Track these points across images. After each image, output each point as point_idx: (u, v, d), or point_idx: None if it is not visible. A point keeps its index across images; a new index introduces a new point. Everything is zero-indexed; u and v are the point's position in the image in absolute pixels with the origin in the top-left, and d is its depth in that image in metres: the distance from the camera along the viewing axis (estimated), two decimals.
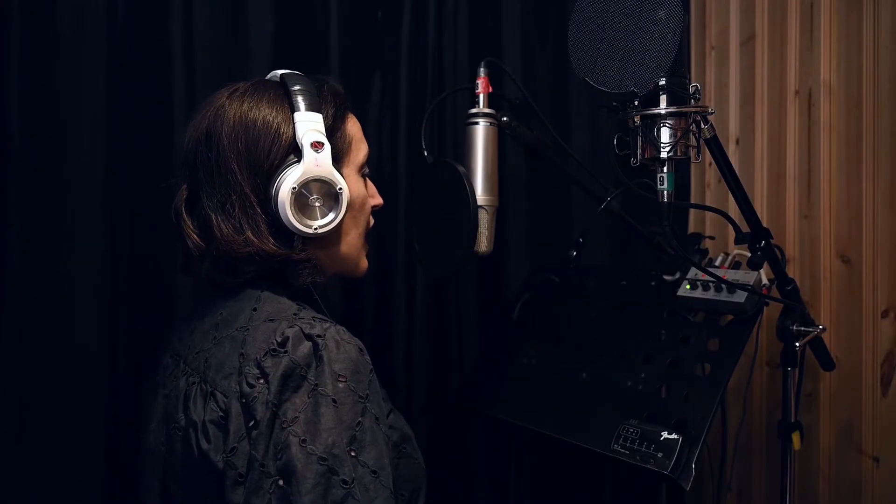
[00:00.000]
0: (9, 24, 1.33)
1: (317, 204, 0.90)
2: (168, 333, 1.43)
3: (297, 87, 0.92)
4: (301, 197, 0.89)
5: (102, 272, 1.39)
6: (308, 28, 1.55)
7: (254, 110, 0.91)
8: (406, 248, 1.59)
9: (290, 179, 0.88)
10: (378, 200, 1.05)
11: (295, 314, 0.86)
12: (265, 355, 0.81)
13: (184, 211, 0.92)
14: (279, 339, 0.82)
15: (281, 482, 0.76)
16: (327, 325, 0.84)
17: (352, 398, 0.80)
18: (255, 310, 0.88)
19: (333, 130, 0.94)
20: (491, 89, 1.19)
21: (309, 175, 0.88)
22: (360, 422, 0.80)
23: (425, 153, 1.25)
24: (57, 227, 1.37)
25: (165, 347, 1.01)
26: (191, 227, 0.91)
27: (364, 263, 1.03)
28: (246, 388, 0.80)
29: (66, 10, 1.37)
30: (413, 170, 1.58)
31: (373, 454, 0.80)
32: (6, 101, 1.33)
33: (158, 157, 1.43)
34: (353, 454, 0.78)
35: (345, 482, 0.76)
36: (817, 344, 1.20)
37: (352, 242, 0.99)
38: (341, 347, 0.82)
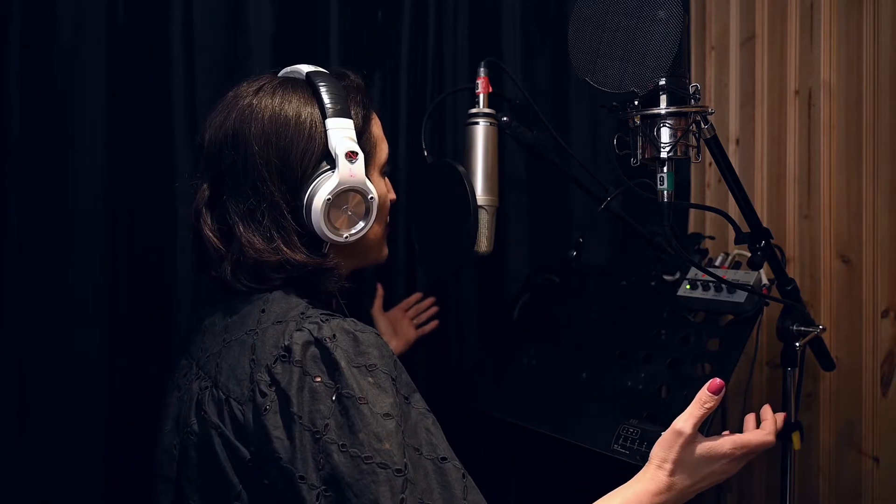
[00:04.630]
0: (9, 24, 1.33)
1: (348, 213, 0.90)
2: (167, 332, 1.43)
3: (325, 90, 0.91)
4: (333, 206, 0.88)
5: (102, 272, 1.39)
6: (308, 28, 1.55)
7: (284, 113, 0.89)
8: (406, 247, 1.59)
9: (324, 190, 0.87)
10: (393, 196, 1.05)
11: (302, 314, 0.84)
12: (275, 361, 0.80)
13: (204, 212, 0.91)
14: (286, 344, 0.80)
15: (329, 492, 0.75)
16: (336, 320, 0.82)
17: (388, 384, 0.79)
18: (263, 311, 0.87)
19: (361, 133, 0.93)
20: (491, 89, 1.19)
21: (344, 186, 0.87)
22: (397, 403, 0.79)
23: (425, 153, 1.25)
24: (57, 227, 1.37)
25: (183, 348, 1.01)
26: (211, 229, 0.90)
27: (385, 251, 1.05)
28: (259, 398, 0.79)
29: (66, 10, 1.37)
30: (413, 170, 1.58)
31: (415, 435, 0.79)
32: (6, 101, 1.33)
33: (159, 157, 1.43)
34: (400, 440, 0.77)
35: (399, 471, 0.75)
36: (817, 344, 1.20)
37: (373, 239, 1.00)
38: (360, 337, 0.81)
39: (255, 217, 0.87)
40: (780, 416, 1.02)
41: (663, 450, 0.93)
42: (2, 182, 1.34)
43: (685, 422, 0.93)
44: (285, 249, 0.87)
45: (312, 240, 0.90)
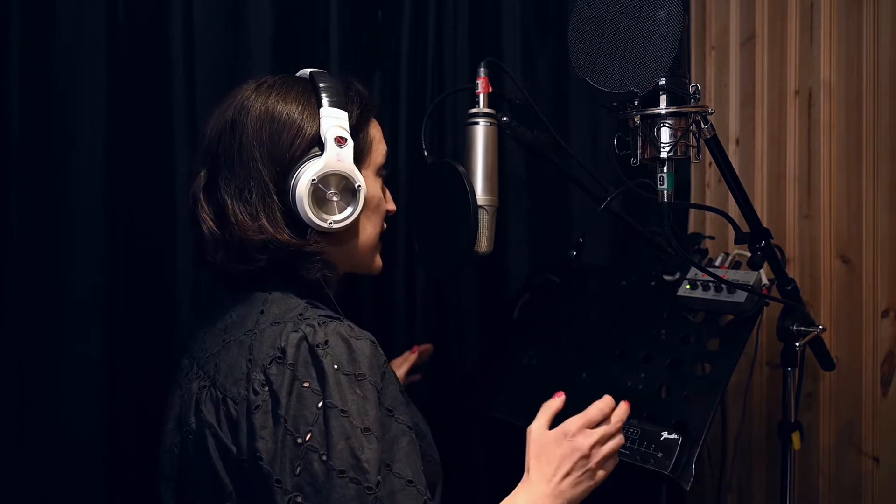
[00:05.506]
0: (9, 24, 1.33)
1: (334, 199, 0.90)
2: (167, 332, 1.42)
3: (324, 84, 0.93)
4: (319, 191, 0.89)
5: (102, 272, 1.39)
6: (308, 28, 1.55)
7: (280, 103, 0.91)
8: (406, 247, 1.59)
9: (309, 172, 0.88)
10: (392, 206, 1.05)
11: (300, 315, 0.85)
12: (271, 362, 0.81)
13: (202, 196, 0.92)
14: (282, 345, 0.81)
15: (300, 498, 0.76)
16: (333, 324, 0.83)
17: (373, 395, 0.80)
18: (261, 312, 0.87)
19: (357, 130, 0.95)
20: (491, 89, 1.19)
21: (329, 169, 0.89)
22: (379, 416, 0.79)
23: (425, 153, 1.25)
24: (57, 227, 1.37)
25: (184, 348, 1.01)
26: (207, 212, 0.91)
27: (378, 262, 1.04)
28: (252, 396, 0.80)
29: (66, 10, 1.37)
30: (413, 170, 1.58)
31: (391, 449, 0.80)
32: (6, 101, 1.33)
33: (159, 157, 1.43)
34: (377, 457, 0.77)
35: (369, 489, 0.76)
36: (817, 344, 1.20)
37: (365, 241, 1.00)
38: (354, 344, 0.81)
39: (244, 195, 0.89)
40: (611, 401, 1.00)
41: (526, 454, 0.95)
42: (2, 182, 1.34)
43: (532, 423, 0.96)
44: (269, 227, 0.88)
45: (299, 224, 0.91)
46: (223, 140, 0.92)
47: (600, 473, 0.94)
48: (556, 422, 0.97)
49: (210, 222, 0.91)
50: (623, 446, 1.07)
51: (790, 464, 1.17)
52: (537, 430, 0.95)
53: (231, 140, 0.91)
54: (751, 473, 1.55)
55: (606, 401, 0.98)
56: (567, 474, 0.91)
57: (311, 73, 0.97)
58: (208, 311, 0.97)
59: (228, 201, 0.89)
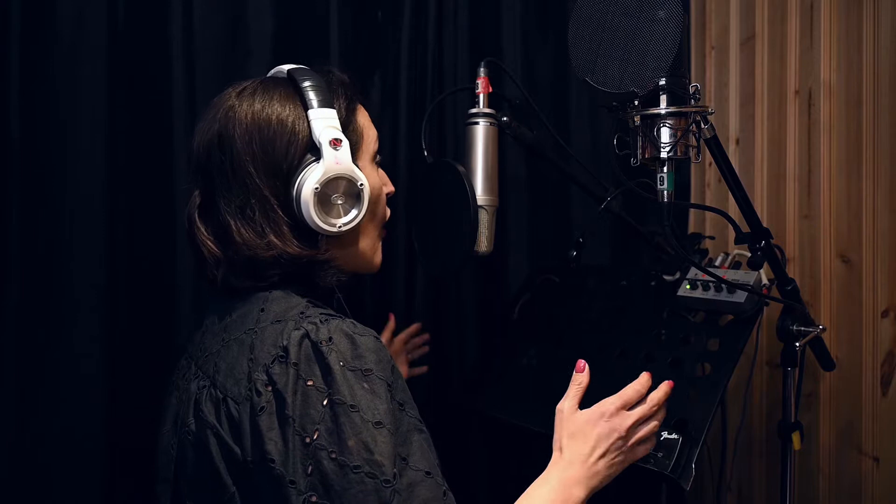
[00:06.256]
0: (9, 24, 1.33)
1: (339, 202, 0.89)
2: (167, 332, 1.42)
3: (307, 83, 0.91)
4: (323, 196, 0.87)
5: (102, 272, 1.39)
6: (308, 28, 1.55)
7: (266, 110, 0.89)
8: (406, 247, 1.59)
9: (311, 179, 0.87)
10: (390, 188, 1.03)
11: (302, 313, 0.84)
12: (273, 361, 0.80)
13: (197, 218, 0.91)
14: (284, 344, 0.80)
15: (315, 498, 0.75)
16: (335, 321, 0.82)
17: (383, 390, 0.79)
18: (262, 311, 0.86)
19: (347, 124, 0.93)
20: (491, 89, 1.19)
21: (330, 174, 0.87)
22: (391, 409, 0.78)
23: (425, 153, 1.25)
24: (57, 227, 1.37)
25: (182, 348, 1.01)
26: (205, 234, 0.89)
27: (378, 258, 1.02)
28: (255, 398, 0.79)
29: (66, 9, 1.37)
30: (413, 170, 1.58)
31: (406, 443, 0.79)
32: (6, 101, 1.33)
33: (158, 157, 1.43)
34: (391, 450, 0.76)
35: (387, 481, 0.75)
36: (817, 344, 1.20)
37: (369, 236, 0.99)
38: (358, 340, 0.80)
39: (246, 213, 0.87)
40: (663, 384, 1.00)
41: (555, 433, 0.96)
42: (2, 182, 1.34)
43: (562, 401, 0.97)
44: (277, 242, 0.87)
45: (307, 233, 0.89)
46: (213, 157, 0.89)
47: (631, 455, 0.95)
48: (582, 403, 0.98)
49: (210, 244, 0.89)
50: None
51: (790, 464, 1.17)
52: (569, 409, 0.96)
53: (221, 157, 0.89)
54: (751, 473, 1.55)
55: (643, 381, 0.98)
56: (603, 455, 0.92)
57: (289, 71, 0.94)
58: (207, 311, 0.97)
59: (231, 221, 0.87)
